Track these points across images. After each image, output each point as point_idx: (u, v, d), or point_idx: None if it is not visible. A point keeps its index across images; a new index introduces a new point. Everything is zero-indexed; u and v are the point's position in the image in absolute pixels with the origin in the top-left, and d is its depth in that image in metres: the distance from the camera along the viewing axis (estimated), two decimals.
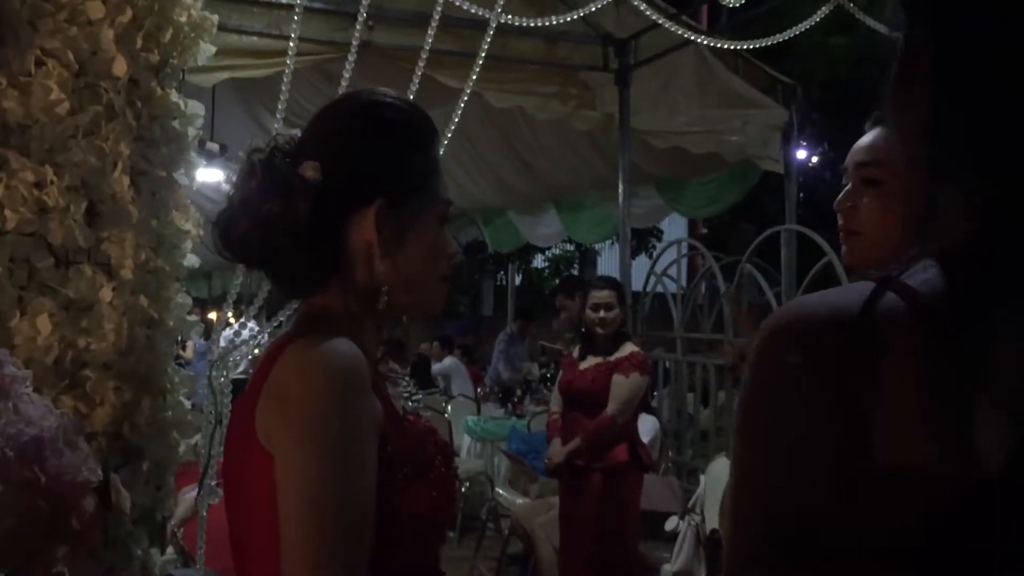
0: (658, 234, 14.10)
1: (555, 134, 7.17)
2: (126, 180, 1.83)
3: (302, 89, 8.07)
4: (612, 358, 4.17)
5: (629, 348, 4.19)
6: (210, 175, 8.99)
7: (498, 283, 18.10)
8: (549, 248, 17.36)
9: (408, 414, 1.32)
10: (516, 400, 7.35)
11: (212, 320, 8.92)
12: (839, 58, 11.60)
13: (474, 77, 3.76)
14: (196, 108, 1.99)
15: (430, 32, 3.25)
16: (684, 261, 6.10)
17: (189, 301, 1.95)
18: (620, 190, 6.04)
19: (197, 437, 2.01)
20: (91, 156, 1.79)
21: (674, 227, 14.15)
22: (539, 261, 18.03)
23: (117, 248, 1.80)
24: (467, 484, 6.72)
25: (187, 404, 1.93)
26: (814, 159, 11.94)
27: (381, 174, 1.20)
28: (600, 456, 4.12)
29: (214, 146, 8.63)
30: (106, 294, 1.79)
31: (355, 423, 1.06)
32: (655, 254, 6.66)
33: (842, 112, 11.01)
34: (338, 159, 1.19)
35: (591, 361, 4.25)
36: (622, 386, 4.10)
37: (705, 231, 13.70)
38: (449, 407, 8.01)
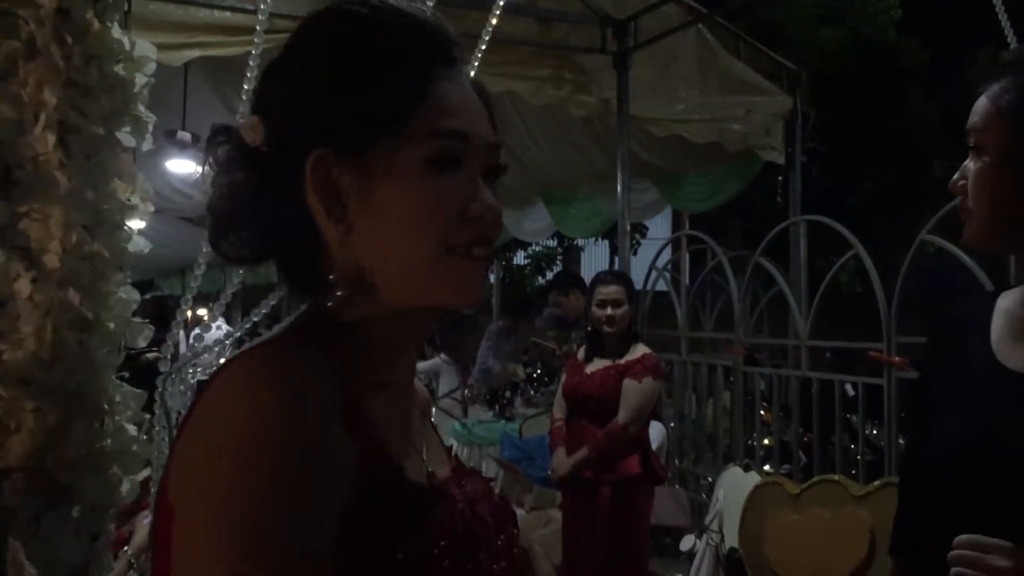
0: (643, 231, 13.72)
1: (547, 123, 6.74)
2: (51, 138, 1.38)
3: None
4: (622, 361, 3.75)
5: (641, 350, 3.77)
6: (182, 166, 8.49)
7: None
8: (530, 244, 16.96)
9: (456, 470, 0.90)
10: (504, 402, 6.91)
11: (188, 320, 8.44)
12: (829, 51, 11.28)
13: (477, 61, 3.29)
14: (146, 49, 1.54)
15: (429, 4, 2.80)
16: (686, 257, 5.68)
17: (135, 297, 1.50)
18: (619, 180, 5.62)
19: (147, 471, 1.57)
20: (5, 106, 1.34)
21: (654, 224, 13.79)
22: (520, 258, 17.59)
23: (39, 227, 1.36)
24: None
25: (132, 430, 1.48)
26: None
27: (318, 112, 0.80)
28: (610, 468, 3.71)
29: (185, 135, 8.12)
30: (24, 287, 1.34)
31: (279, 487, 0.67)
32: (658, 248, 6.24)
33: (832, 106, 10.70)
34: (278, 105, 0.82)
35: (599, 364, 3.82)
36: (634, 392, 3.68)
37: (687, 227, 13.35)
38: (433, 410, 7.57)
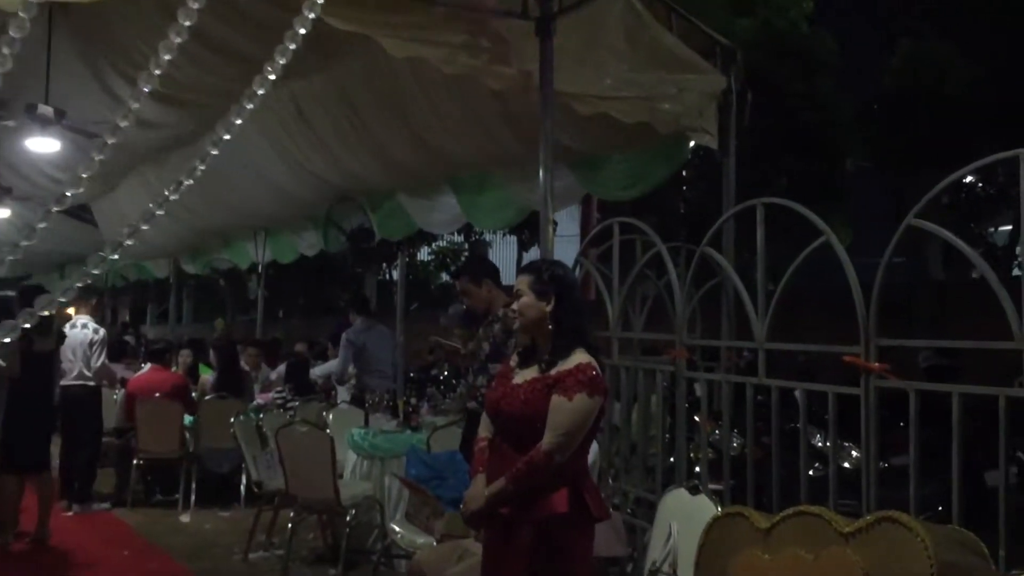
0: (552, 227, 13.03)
1: (454, 98, 5.99)
2: None
3: (147, 35, 6.61)
4: (553, 372, 3.01)
5: (577, 358, 3.01)
6: (44, 145, 7.41)
7: (381, 276, 16.74)
8: (435, 239, 16.15)
9: None
10: (411, 410, 6.12)
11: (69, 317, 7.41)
12: (742, 42, 10.83)
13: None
14: None
15: None
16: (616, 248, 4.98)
17: None
18: (541, 160, 4.89)
19: None
20: None
21: (562, 221, 13.16)
22: (424, 253, 16.77)
23: None
24: (353, 511, 5.48)
25: None
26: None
27: None
28: (531, 504, 2.96)
29: (47, 110, 7.03)
30: None
31: None
32: (568, 245, 5.59)
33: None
34: None
35: (527, 374, 3.08)
36: (563, 412, 2.92)
37: (599, 217, 12.71)
38: (331, 417, 6.74)
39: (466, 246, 16.45)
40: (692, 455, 4.33)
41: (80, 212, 12.62)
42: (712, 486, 4.07)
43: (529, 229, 13.36)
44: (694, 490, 3.61)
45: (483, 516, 3.06)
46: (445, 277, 16.78)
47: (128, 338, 13.62)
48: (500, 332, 4.68)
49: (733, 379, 3.90)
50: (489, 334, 4.94)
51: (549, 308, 3.07)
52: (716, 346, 4.76)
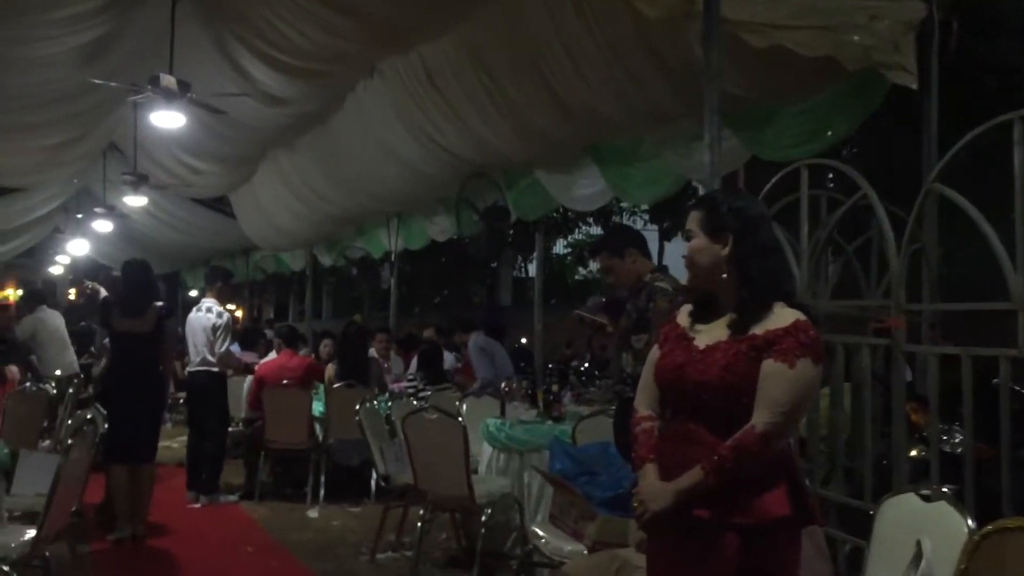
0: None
1: (599, 48, 5.21)
2: None
3: (276, 6, 6.15)
4: (759, 331, 2.21)
5: (789, 315, 2.20)
6: (169, 119, 7.05)
7: (517, 272, 16.13)
8: (572, 232, 15.44)
9: None
10: (552, 398, 5.38)
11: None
12: None
13: None
14: None
15: None
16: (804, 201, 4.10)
17: None
18: (706, 100, 4.05)
19: None
20: None
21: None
22: (560, 247, 16.07)
23: None
24: (488, 510, 4.80)
25: None
26: None
27: None
28: (741, 505, 2.17)
29: (170, 80, 6.67)
30: None
31: None
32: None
33: None
34: None
35: (715, 334, 2.28)
36: (783, 382, 2.13)
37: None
38: (464, 407, 6.10)
39: None
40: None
41: (219, 205, 12.55)
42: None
43: (672, 217, 12.41)
44: (928, 497, 2.71)
45: (667, 518, 2.26)
46: (582, 272, 16.01)
47: (268, 331, 13.47)
48: (665, 301, 3.91)
49: (981, 351, 2.94)
50: (638, 307, 4.17)
51: (726, 251, 2.28)
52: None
